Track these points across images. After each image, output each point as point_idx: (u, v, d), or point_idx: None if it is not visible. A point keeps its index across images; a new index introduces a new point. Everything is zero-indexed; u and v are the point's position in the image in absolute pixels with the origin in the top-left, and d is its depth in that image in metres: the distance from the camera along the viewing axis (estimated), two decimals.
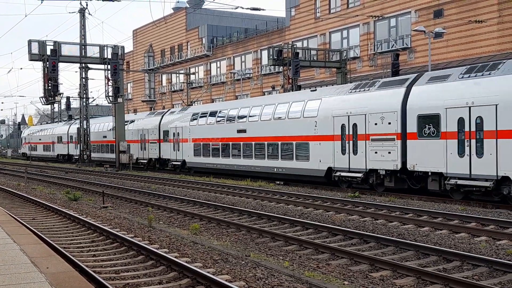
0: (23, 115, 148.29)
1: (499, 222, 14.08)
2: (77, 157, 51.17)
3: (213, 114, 34.40)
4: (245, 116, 30.83)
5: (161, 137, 40.43)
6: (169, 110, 43.57)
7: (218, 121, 33.43)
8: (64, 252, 10.65)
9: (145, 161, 43.27)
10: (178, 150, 37.60)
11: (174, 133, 38.25)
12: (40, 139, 68.35)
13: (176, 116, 39.35)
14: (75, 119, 62.43)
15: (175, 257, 10.49)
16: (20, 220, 14.63)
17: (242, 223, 14.85)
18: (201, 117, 35.48)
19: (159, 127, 40.98)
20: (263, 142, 29.11)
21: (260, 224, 15.13)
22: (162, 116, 41.54)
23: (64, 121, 71.19)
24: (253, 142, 29.83)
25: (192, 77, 67.18)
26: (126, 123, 44.52)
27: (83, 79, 49.31)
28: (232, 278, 9.17)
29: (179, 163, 37.89)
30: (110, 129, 48.79)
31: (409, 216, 15.80)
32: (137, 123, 45.45)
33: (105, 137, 51.15)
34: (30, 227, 13.50)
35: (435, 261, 10.44)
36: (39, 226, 14.96)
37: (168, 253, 10.84)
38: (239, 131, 30.89)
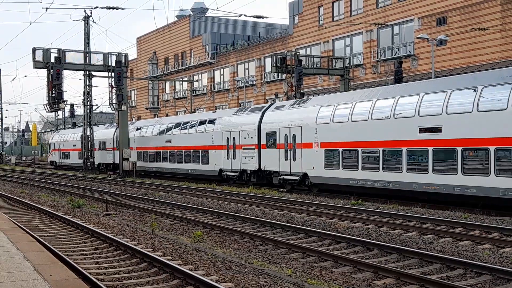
0: (27, 122, 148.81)
1: (503, 230, 14.04)
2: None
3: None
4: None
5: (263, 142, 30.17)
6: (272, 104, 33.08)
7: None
8: (68, 259, 10.66)
9: (234, 173, 32.49)
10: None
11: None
12: (74, 145, 59.04)
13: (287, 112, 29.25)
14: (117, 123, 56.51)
15: (178, 264, 10.49)
16: (24, 227, 14.66)
17: (245, 231, 14.85)
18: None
19: (258, 128, 30.52)
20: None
21: (263, 232, 15.12)
22: (263, 113, 30.74)
23: (105, 123, 66.43)
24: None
25: (196, 84, 67.33)
26: (203, 124, 36.38)
27: (87, 87, 49.49)
28: (235, 286, 9.17)
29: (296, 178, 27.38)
30: (158, 133, 42.31)
31: (412, 223, 15.77)
32: (222, 122, 34.56)
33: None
34: (34, 235, 13.53)
35: (439, 269, 10.42)
36: (42, 234, 14.98)
37: (171, 261, 10.85)
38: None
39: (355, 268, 10.51)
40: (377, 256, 11.74)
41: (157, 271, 10.28)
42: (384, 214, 17.49)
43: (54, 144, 66.12)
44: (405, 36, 43.44)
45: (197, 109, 59.32)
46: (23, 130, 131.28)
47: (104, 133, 51.48)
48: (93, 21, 54.56)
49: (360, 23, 45.51)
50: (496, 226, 14.52)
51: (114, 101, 42.57)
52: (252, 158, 30.02)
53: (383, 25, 43.63)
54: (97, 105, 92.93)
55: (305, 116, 26.58)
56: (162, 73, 77.12)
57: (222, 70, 66.94)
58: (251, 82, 60.37)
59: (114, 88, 42.31)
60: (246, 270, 10.28)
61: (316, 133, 25.63)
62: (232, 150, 31.93)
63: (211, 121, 34.95)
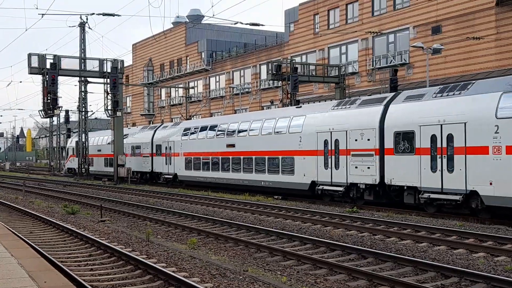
0: (21, 128, 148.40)
1: (497, 238, 14.07)
2: (169, 176, 39.06)
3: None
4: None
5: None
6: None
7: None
8: (62, 266, 10.62)
9: (336, 188, 29.40)
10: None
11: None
12: (99, 150, 51.41)
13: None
14: (160, 123, 49.40)
15: (173, 271, 10.47)
16: (18, 234, 14.60)
17: (240, 238, 14.83)
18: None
19: (381, 126, 32.51)
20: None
21: (258, 239, 15.10)
22: (387, 106, 31.96)
23: (141, 125, 59.01)
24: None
25: (191, 91, 67.36)
26: (284, 122, 31.61)
27: (82, 93, 49.43)
28: None
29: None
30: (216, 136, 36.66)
31: (407, 231, 15.79)
32: (315, 119, 32.21)
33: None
34: (28, 241, 13.48)
35: (433, 277, 10.43)
36: (36, 240, 14.92)
37: (165, 268, 10.82)
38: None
39: (350, 276, 10.51)
40: (372, 264, 11.75)
41: (152, 278, 10.26)
42: (379, 222, 17.51)
43: (73, 149, 56.09)
44: (400, 44, 43.63)
45: (192, 116, 59.29)
46: (17, 136, 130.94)
47: (139, 136, 44.90)
48: (89, 28, 54.79)
49: (356, 31, 45.69)
50: (491, 234, 14.56)
51: (109, 108, 42.53)
52: (368, 167, 22.33)
53: (378, 34, 43.84)
54: (92, 111, 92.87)
55: (471, 109, 18.34)
56: (158, 79, 77.13)
57: (217, 77, 67.02)
58: (247, 89, 60.46)
59: (110, 95, 42.28)
60: (241, 277, 10.27)
61: (497, 132, 17.36)
62: (333, 157, 24.11)
63: (297, 119, 27.20)
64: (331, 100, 36.51)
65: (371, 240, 14.63)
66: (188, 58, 71.96)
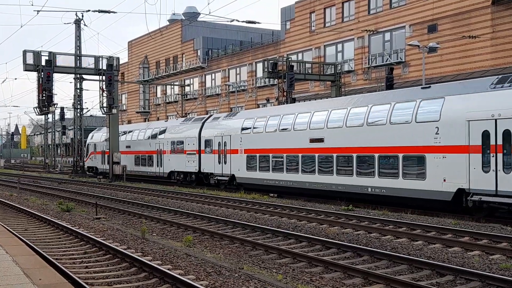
0: (16, 125, 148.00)
1: (492, 237, 14.11)
2: (223, 178, 32.17)
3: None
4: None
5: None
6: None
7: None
8: (57, 263, 10.60)
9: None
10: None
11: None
12: (128, 146, 44.47)
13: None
14: (209, 114, 40.44)
15: (168, 269, 10.46)
16: (13, 231, 14.55)
17: (236, 236, 14.83)
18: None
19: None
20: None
21: (254, 237, 15.10)
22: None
23: (182, 116, 51.07)
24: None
25: (187, 88, 67.29)
26: (402, 109, 23.13)
27: (78, 90, 49.30)
28: None
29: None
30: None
31: (402, 229, 15.81)
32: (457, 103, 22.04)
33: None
34: (23, 238, 13.44)
35: (428, 275, 10.45)
36: (31, 237, 14.87)
37: (161, 265, 10.81)
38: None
39: (345, 273, 10.52)
40: (367, 262, 11.76)
41: (147, 276, 10.24)
42: (374, 220, 17.53)
43: (95, 145, 50.09)
44: (396, 43, 43.67)
45: (188, 113, 59.24)
46: (12, 133, 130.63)
47: (181, 129, 38.13)
48: (85, 25, 54.66)
49: (352, 30, 45.70)
50: (486, 232, 14.59)
51: (104, 105, 42.46)
52: None
53: (374, 32, 43.86)
54: (87, 108, 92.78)
55: None
56: (153, 77, 77.04)
57: (213, 74, 66.97)
58: (243, 87, 60.43)
59: (105, 92, 42.20)
60: (237, 275, 10.26)
61: None
62: (499, 155, 17.30)
63: (430, 103, 20.30)
64: (327, 98, 36.36)
65: (366, 238, 14.64)
66: (184, 55, 71.87)
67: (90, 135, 53.43)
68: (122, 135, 46.07)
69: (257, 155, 28.94)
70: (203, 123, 35.32)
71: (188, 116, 53.78)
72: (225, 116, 34.04)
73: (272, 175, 27.81)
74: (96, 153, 49.92)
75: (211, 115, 36.62)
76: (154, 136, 41.05)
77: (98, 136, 50.62)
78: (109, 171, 43.26)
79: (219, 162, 32.23)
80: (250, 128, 29.97)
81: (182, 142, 36.74)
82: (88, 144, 52.50)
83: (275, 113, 28.89)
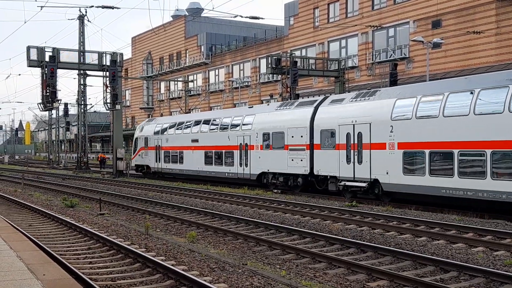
0: (20, 121, 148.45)
1: (496, 233, 14.07)
2: (360, 185, 22.81)
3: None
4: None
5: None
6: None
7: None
8: (61, 259, 10.61)
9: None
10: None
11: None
12: (195, 140, 34.95)
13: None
14: (324, 96, 29.73)
15: (172, 265, 10.46)
16: (17, 227, 14.58)
17: (239, 232, 14.82)
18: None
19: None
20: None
21: (257, 233, 15.10)
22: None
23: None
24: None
25: (191, 84, 67.28)
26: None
27: (82, 86, 49.35)
28: (229, 287, 9.16)
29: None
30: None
31: (406, 226, 15.79)
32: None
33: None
34: (27, 234, 13.47)
35: (432, 272, 10.43)
36: (35, 233, 14.91)
37: (164, 261, 10.81)
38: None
39: (349, 269, 10.51)
40: (371, 258, 11.75)
41: (151, 272, 10.25)
42: (378, 216, 17.51)
43: (146, 139, 41.44)
44: (400, 38, 43.55)
45: (192, 110, 59.20)
46: (16, 128, 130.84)
47: (279, 118, 28.23)
48: (88, 20, 54.67)
49: (356, 25, 45.58)
50: (490, 228, 14.56)
51: (108, 101, 42.49)
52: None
53: (378, 28, 43.73)
54: (91, 104, 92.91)
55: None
56: (157, 73, 77.04)
57: (217, 70, 66.92)
58: (246, 83, 60.38)
59: (109, 88, 42.23)
60: (240, 271, 10.26)
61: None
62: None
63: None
64: (330, 95, 35.90)
65: (370, 234, 14.63)
66: (187, 51, 71.83)
67: (139, 127, 44.60)
68: (179, 127, 37.48)
69: (426, 151, 19.66)
70: (316, 107, 25.80)
71: (192, 112, 53.45)
72: (355, 96, 23.97)
73: (460, 181, 18.41)
74: (148, 149, 40.88)
75: (326, 96, 27.35)
76: (234, 127, 31.36)
77: (151, 129, 41.48)
78: (112, 167, 43.29)
79: (348, 161, 23.02)
80: (410, 112, 20.58)
81: (281, 134, 27.30)
82: (136, 139, 43.38)
83: (459, 87, 19.24)
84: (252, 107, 33.14)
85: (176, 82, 70.97)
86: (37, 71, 47.51)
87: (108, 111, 48.26)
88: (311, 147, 25.54)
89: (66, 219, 16.84)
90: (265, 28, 65.96)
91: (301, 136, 26.07)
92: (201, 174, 34.14)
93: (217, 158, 32.51)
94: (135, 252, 11.33)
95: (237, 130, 30.98)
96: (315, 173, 25.20)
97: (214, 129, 33.39)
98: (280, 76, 42.51)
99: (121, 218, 18.58)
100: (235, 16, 33.70)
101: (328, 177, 24.52)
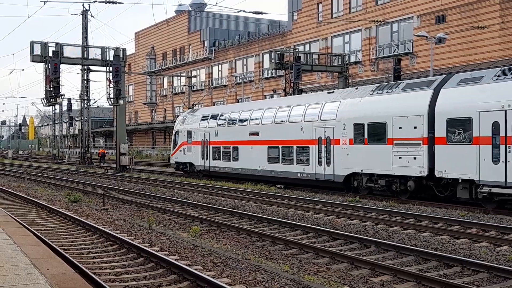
0: (24, 116, 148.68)
1: (500, 228, 14.04)
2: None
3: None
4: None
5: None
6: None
7: None
8: (64, 253, 10.64)
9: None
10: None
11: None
12: (255, 134, 29.45)
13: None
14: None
15: (175, 259, 10.48)
16: (21, 221, 14.62)
17: (243, 227, 14.83)
18: None
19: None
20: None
21: (261, 228, 15.10)
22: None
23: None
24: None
25: (194, 80, 67.30)
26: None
27: (85, 81, 49.37)
28: (232, 282, 9.16)
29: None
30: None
31: (409, 221, 15.77)
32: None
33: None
34: (31, 228, 13.49)
35: (436, 267, 10.42)
36: (39, 228, 14.95)
37: (168, 256, 10.83)
38: None
39: (352, 265, 10.51)
40: (374, 253, 11.74)
41: (154, 266, 10.27)
42: (381, 212, 17.49)
43: (190, 132, 35.66)
44: (404, 33, 43.44)
45: (195, 105, 59.14)
46: (20, 124, 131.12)
47: (379, 104, 22.17)
48: (92, 15, 54.64)
49: (359, 20, 45.47)
50: (493, 224, 14.52)
51: (111, 96, 42.51)
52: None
53: (382, 23, 43.61)
54: (94, 99, 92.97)
55: None
56: (160, 68, 77.05)
57: (220, 65, 66.88)
58: (249, 78, 60.33)
59: (112, 83, 42.23)
60: (243, 266, 10.27)
61: None
62: None
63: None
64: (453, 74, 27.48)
65: (373, 229, 14.62)
66: (190, 46, 71.78)
67: (180, 119, 38.37)
68: (232, 118, 31.73)
69: None
70: (436, 90, 20.06)
71: (195, 107, 53.00)
72: (501, 73, 18.19)
73: None
74: (192, 144, 35.16)
75: (448, 76, 20.93)
76: (310, 117, 25.69)
77: (195, 120, 35.70)
78: (116, 163, 43.34)
79: (496, 161, 17.48)
80: None
81: (381, 125, 21.63)
82: (177, 132, 37.48)
83: None
84: (333, 92, 26.56)
85: (179, 78, 70.97)
86: (41, 66, 47.33)
87: (112, 106, 48.27)
88: (431, 141, 19.70)
89: (69, 214, 16.87)
90: (268, 23, 65.85)
91: (414, 127, 20.27)
92: (263, 174, 28.65)
93: (286, 155, 26.97)
94: (139, 247, 11.34)
95: (315, 121, 25.10)
96: (437, 175, 19.24)
97: (281, 120, 27.57)
98: (283, 71, 42.46)
99: (125, 213, 18.61)
100: (239, 11, 33.73)
101: (460, 181, 18.66)
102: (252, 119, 29.93)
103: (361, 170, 22.52)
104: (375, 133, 21.96)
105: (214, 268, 10.07)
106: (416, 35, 35.78)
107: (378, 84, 23.90)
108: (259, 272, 9.80)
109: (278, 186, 27.44)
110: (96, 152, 74.19)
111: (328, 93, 26.66)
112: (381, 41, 45.41)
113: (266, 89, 58.02)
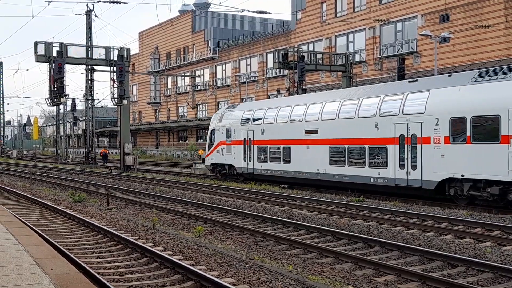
0: (28, 116, 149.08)
1: (504, 228, 14.00)
2: None
3: None
4: None
5: None
6: None
7: None
8: (68, 253, 10.65)
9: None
10: None
11: None
12: (312, 131, 25.54)
13: None
14: None
15: (179, 259, 10.48)
16: (25, 221, 14.65)
17: (246, 226, 14.83)
18: None
19: None
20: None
21: (264, 228, 15.10)
22: None
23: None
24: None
25: (198, 79, 67.31)
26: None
27: (89, 81, 49.46)
28: (236, 281, 9.16)
29: None
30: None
31: (413, 221, 15.74)
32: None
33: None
34: (35, 228, 13.53)
35: (440, 267, 10.40)
36: (43, 227, 14.98)
37: (172, 256, 10.83)
38: None
39: (356, 264, 10.49)
40: (378, 253, 11.73)
41: (158, 266, 10.27)
42: (385, 211, 17.46)
43: (228, 130, 31.91)
44: (408, 33, 43.35)
45: (199, 105, 59.15)
46: (24, 124, 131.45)
47: (467, 96, 18.84)
48: (95, 15, 54.68)
49: (363, 20, 45.40)
50: (498, 224, 14.48)
51: (115, 96, 42.56)
52: None
53: (386, 22, 43.55)
54: (98, 99, 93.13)
55: None
56: (164, 68, 77.10)
57: (224, 65, 66.88)
58: (253, 78, 60.32)
59: (116, 83, 42.28)
60: (247, 265, 10.26)
61: None
62: None
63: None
64: (338, 89, 34.35)
65: (377, 229, 14.59)
66: (194, 46, 71.81)
67: (217, 116, 34.04)
68: (283, 114, 27.74)
69: None
70: None
71: (198, 107, 52.94)
72: None
73: None
74: (232, 143, 31.41)
75: None
76: (388, 110, 21.61)
77: (236, 117, 31.83)
78: (120, 162, 43.39)
79: None
80: None
81: (491, 120, 17.82)
82: (213, 131, 33.58)
83: None
84: (416, 80, 22.08)
85: (183, 77, 71.00)
86: (45, 66, 47.63)
87: (116, 106, 48.33)
88: None
89: (74, 214, 16.90)
90: (272, 23, 65.84)
91: None
92: (323, 179, 24.80)
93: (354, 156, 23.02)
94: (143, 247, 11.35)
95: (395, 116, 21.12)
96: None
97: (347, 115, 23.51)
98: (287, 70, 42.44)
99: (129, 213, 18.63)
100: (242, 11, 33.71)
101: None
102: (308, 115, 25.85)
103: (462, 176, 18.43)
104: (483, 129, 18.01)
105: (218, 268, 10.07)
106: (420, 34, 35.69)
107: (480, 70, 19.67)
108: (263, 272, 9.80)
109: (282, 185, 27.36)
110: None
111: (410, 81, 22.41)
112: (385, 40, 45.33)
113: (270, 88, 58.00)
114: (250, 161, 29.87)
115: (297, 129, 26.34)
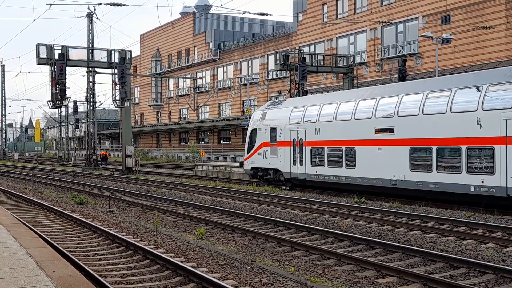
0: (30, 118, 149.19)
1: (506, 229, 13.97)
2: None
3: None
4: None
5: None
6: None
7: None
8: (70, 255, 10.66)
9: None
10: None
11: None
12: (387, 130, 21.23)
13: None
14: None
15: (181, 261, 10.48)
16: (27, 224, 14.66)
17: (248, 228, 14.83)
18: None
19: None
20: None
21: (266, 229, 15.09)
22: None
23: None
24: None
25: (199, 81, 67.36)
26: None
27: (91, 83, 49.50)
28: (237, 283, 9.15)
29: None
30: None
31: (415, 222, 15.72)
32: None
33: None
34: (37, 231, 13.53)
35: (442, 268, 10.38)
36: (45, 230, 14.98)
37: (173, 258, 10.83)
38: None
39: (358, 266, 10.48)
40: (380, 254, 11.71)
41: (160, 268, 10.27)
42: (387, 213, 17.45)
43: (275, 130, 27.88)
44: (409, 34, 43.35)
45: (200, 106, 59.20)
46: (26, 126, 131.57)
47: None
48: (97, 18, 54.76)
49: (364, 21, 45.41)
50: (500, 225, 14.45)
51: (117, 98, 42.58)
52: None
53: (387, 23, 43.54)
54: (100, 101, 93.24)
55: None
56: (166, 70, 77.18)
57: (225, 67, 66.93)
58: (255, 80, 60.35)
59: (118, 85, 42.31)
60: (249, 267, 10.26)
61: None
62: None
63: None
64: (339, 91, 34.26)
65: (379, 230, 14.58)
66: (196, 48, 71.87)
67: (258, 114, 29.99)
68: (344, 109, 23.75)
69: None
70: None
71: (200, 109, 53.04)
72: None
73: None
74: (278, 145, 27.58)
75: None
76: (494, 103, 17.49)
77: (282, 115, 27.82)
78: (122, 164, 43.40)
79: None
80: None
81: None
82: (254, 131, 29.73)
83: None
84: None
85: (184, 79, 71.06)
86: (47, 68, 47.47)
87: (117, 109, 48.36)
88: None
89: (75, 216, 16.90)
90: (273, 25, 65.87)
91: None
92: (401, 187, 20.79)
93: (445, 159, 18.99)
94: (144, 249, 11.35)
95: (505, 109, 16.91)
96: None
97: (435, 110, 19.40)
98: (288, 72, 42.45)
99: (130, 215, 18.64)
100: (243, 13, 33.71)
101: None
102: (379, 110, 21.81)
103: None
104: None
105: (219, 270, 10.07)
106: (422, 36, 35.69)
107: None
108: (265, 273, 9.80)
109: (284, 187, 27.30)
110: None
111: None
112: (386, 41, 45.33)
113: (271, 90, 58.01)
114: (301, 165, 25.93)
115: (364, 128, 22.37)
